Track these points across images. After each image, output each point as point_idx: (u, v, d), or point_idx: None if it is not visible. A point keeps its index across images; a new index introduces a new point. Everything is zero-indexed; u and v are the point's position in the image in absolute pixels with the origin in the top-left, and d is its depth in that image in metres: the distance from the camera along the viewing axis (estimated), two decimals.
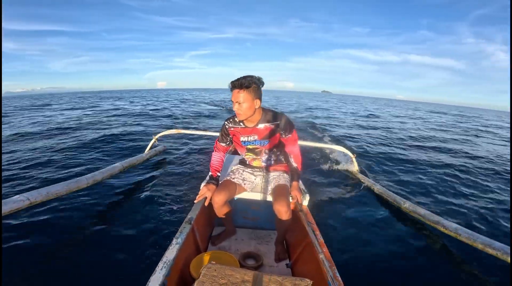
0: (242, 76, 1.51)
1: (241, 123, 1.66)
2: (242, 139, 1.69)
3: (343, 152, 3.93)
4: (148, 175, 3.49)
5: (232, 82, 1.51)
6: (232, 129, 1.70)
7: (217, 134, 3.96)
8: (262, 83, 1.56)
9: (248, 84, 1.48)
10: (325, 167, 4.26)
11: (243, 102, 1.50)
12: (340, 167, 4.18)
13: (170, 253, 1.21)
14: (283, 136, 1.66)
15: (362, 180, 3.53)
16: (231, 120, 1.70)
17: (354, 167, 3.88)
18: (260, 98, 1.55)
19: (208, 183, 1.70)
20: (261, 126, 1.64)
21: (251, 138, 1.68)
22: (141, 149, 4.28)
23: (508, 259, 1.71)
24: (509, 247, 1.77)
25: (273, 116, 1.64)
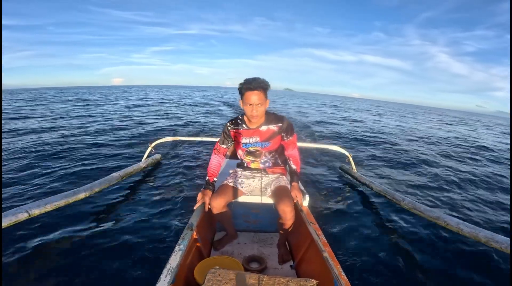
0: (251, 78, 1.52)
1: (243, 125, 1.68)
2: (243, 141, 1.70)
3: (340, 152, 3.95)
4: (146, 184, 3.46)
5: (248, 84, 1.50)
6: (234, 130, 1.71)
7: (214, 139, 3.96)
8: (269, 86, 1.59)
9: (263, 85, 1.50)
10: (322, 167, 4.27)
11: (261, 104, 1.52)
12: (337, 166, 4.20)
13: (174, 260, 1.20)
14: (285, 139, 1.68)
15: (360, 179, 3.54)
16: (233, 121, 1.72)
17: (352, 166, 3.90)
18: (268, 99, 1.59)
19: (204, 188, 1.71)
20: (264, 128, 1.65)
21: (252, 140, 1.69)
22: (135, 158, 4.26)
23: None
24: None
25: (276, 118, 1.66)
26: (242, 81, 1.56)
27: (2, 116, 8.77)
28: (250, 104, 1.52)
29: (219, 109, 14.06)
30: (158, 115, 10.66)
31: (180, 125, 8.33)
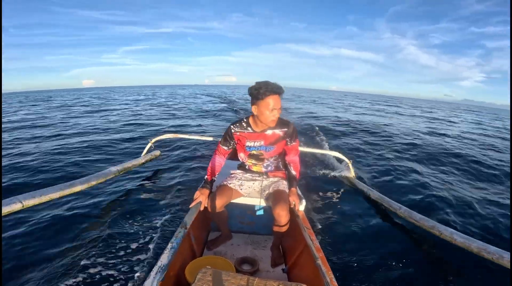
0: (264, 82, 1.50)
1: (248, 128, 1.66)
2: (248, 144, 1.69)
3: (339, 158, 3.94)
4: (143, 180, 3.46)
5: (272, 88, 1.48)
6: (238, 133, 1.68)
7: (214, 139, 3.96)
8: None
9: (283, 90, 1.51)
10: (321, 172, 4.26)
11: (279, 108, 1.52)
12: (336, 172, 4.19)
13: (165, 258, 1.19)
14: (288, 143, 1.68)
15: (358, 186, 3.53)
16: (237, 124, 1.69)
17: (351, 173, 3.88)
18: None
19: (202, 187, 1.70)
20: (269, 132, 1.64)
21: (257, 143, 1.68)
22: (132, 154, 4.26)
23: (503, 262, 1.72)
24: (504, 251, 1.78)
25: (282, 122, 1.65)
26: (254, 84, 1.52)
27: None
28: (274, 109, 1.49)
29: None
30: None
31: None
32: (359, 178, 3.93)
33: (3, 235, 2.07)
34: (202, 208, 1.63)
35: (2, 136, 5.97)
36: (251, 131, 1.66)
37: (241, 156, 1.80)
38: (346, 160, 3.85)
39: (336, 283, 1.15)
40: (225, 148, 1.75)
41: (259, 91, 1.48)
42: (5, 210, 1.74)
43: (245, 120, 1.69)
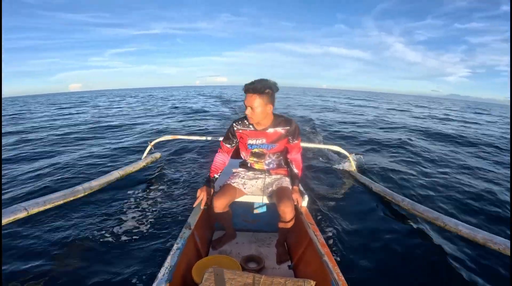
0: (257, 79, 1.51)
1: (250, 126, 1.66)
2: (249, 142, 1.69)
3: (340, 152, 3.95)
4: (145, 182, 3.46)
5: (246, 85, 1.50)
6: (240, 131, 1.70)
7: (213, 138, 3.96)
8: (277, 89, 1.56)
9: (262, 89, 1.48)
10: (323, 167, 4.27)
11: (256, 107, 1.50)
12: (337, 166, 4.20)
13: (172, 259, 1.20)
14: (290, 141, 1.68)
15: (360, 179, 3.54)
16: (239, 122, 1.70)
17: (352, 167, 3.89)
18: (272, 103, 1.55)
19: (204, 185, 1.70)
20: (271, 130, 1.64)
21: (259, 141, 1.68)
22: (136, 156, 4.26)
23: (509, 252, 1.72)
24: (509, 241, 1.78)
25: (285, 121, 1.65)
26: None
27: None
28: (248, 106, 1.52)
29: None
30: None
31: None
32: (361, 171, 3.94)
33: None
34: (203, 205, 1.64)
35: None
36: (253, 129, 1.66)
37: (243, 154, 1.80)
38: (347, 154, 3.86)
39: (342, 277, 1.15)
40: (228, 146, 1.76)
41: (244, 88, 1.53)
42: (10, 218, 1.74)
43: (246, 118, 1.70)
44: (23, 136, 7.08)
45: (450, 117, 15.03)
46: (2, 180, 3.56)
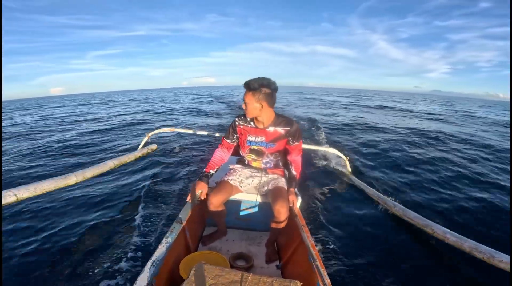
0: (258, 77, 1.53)
1: (251, 123, 1.68)
2: (249, 138, 1.70)
3: (336, 155, 3.95)
4: (139, 173, 3.45)
5: (245, 82, 1.55)
6: (241, 126, 1.71)
7: (210, 133, 3.95)
8: (275, 89, 1.57)
9: (256, 87, 1.51)
10: (318, 169, 4.28)
11: (247, 103, 1.55)
12: (333, 169, 4.21)
13: (160, 253, 1.20)
14: (291, 143, 1.68)
15: (354, 183, 3.55)
16: (242, 117, 1.72)
17: (347, 170, 3.90)
18: (267, 102, 1.55)
19: (199, 180, 1.70)
20: (271, 129, 1.65)
21: (258, 139, 1.69)
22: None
23: (494, 262, 1.75)
24: (494, 250, 1.80)
25: (286, 121, 1.65)
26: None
27: None
28: (244, 103, 1.58)
29: None
30: None
31: None
32: (355, 175, 3.96)
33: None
34: (199, 197, 1.63)
35: None
36: (254, 126, 1.68)
37: (242, 150, 1.81)
38: (343, 156, 3.87)
39: (329, 280, 1.16)
40: (229, 141, 1.76)
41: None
42: None
43: None
44: None
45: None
46: None
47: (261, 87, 1.51)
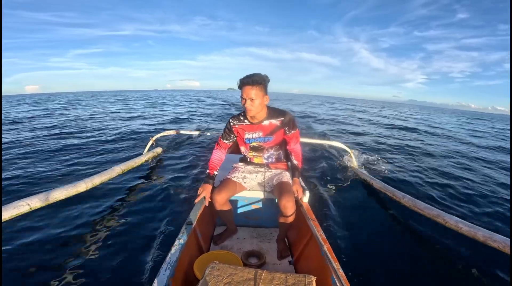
0: (250, 74, 1.55)
1: (246, 121, 1.69)
2: (246, 136, 1.72)
3: (342, 148, 3.94)
4: (146, 177, 3.47)
5: (243, 79, 1.54)
6: (236, 126, 1.73)
7: (215, 134, 3.95)
8: (268, 80, 1.60)
9: (260, 80, 1.52)
10: (324, 163, 4.27)
11: (255, 98, 1.54)
12: (339, 163, 4.20)
13: (173, 254, 1.21)
14: (287, 132, 1.69)
15: (361, 176, 3.54)
16: (235, 117, 1.74)
17: (353, 163, 3.89)
18: (267, 95, 1.60)
19: (204, 182, 1.72)
20: (266, 122, 1.67)
21: (255, 135, 1.70)
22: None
23: (509, 251, 1.72)
24: (509, 239, 1.78)
25: (278, 112, 1.68)
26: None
27: None
28: (247, 98, 1.54)
29: None
30: None
31: None
32: (361, 167, 3.94)
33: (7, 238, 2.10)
34: (206, 203, 1.65)
35: None
36: (248, 123, 1.69)
37: (243, 149, 1.82)
38: (348, 150, 3.86)
39: (343, 273, 1.16)
40: (226, 141, 1.79)
41: (239, 83, 1.56)
42: (13, 213, 1.76)
43: (242, 113, 1.73)
44: None
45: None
46: None
47: (263, 80, 1.54)
